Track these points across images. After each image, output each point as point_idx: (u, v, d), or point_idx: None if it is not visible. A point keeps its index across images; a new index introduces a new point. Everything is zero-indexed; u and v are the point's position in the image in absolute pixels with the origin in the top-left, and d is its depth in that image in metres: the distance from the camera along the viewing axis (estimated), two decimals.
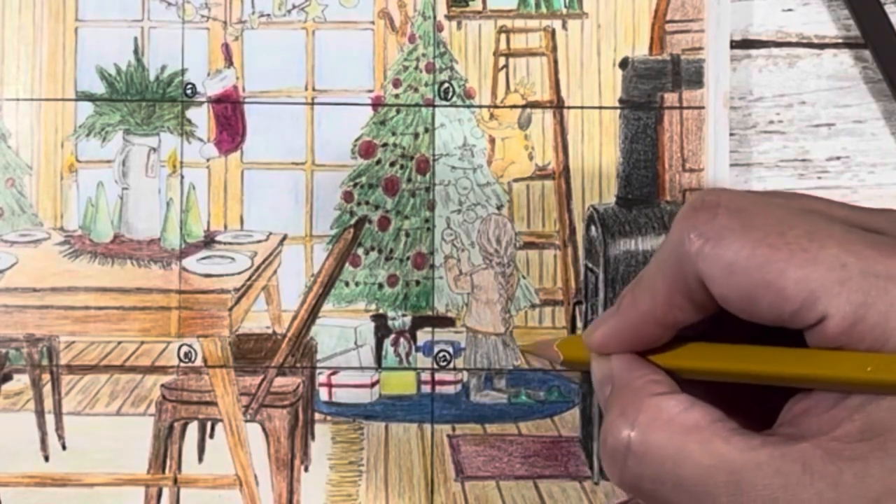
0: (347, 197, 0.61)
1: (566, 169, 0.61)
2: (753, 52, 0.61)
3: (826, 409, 0.33)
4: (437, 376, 0.60)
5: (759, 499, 0.32)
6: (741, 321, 0.35)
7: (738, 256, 0.33)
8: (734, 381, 0.36)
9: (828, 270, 0.32)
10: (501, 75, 0.61)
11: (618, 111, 0.60)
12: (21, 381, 0.59)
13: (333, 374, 0.60)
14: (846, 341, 0.32)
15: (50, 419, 0.59)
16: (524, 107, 0.61)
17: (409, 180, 0.61)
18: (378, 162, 0.61)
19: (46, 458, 0.59)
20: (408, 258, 0.61)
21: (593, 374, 0.39)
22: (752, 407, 0.35)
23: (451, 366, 0.60)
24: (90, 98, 0.60)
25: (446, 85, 0.61)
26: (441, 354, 0.60)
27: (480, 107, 0.61)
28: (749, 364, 0.35)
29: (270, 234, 0.60)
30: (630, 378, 0.36)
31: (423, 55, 0.61)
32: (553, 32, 0.61)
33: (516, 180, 0.61)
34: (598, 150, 0.60)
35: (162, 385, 0.59)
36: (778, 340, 0.35)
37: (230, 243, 0.60)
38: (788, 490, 0.31)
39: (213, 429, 0.60)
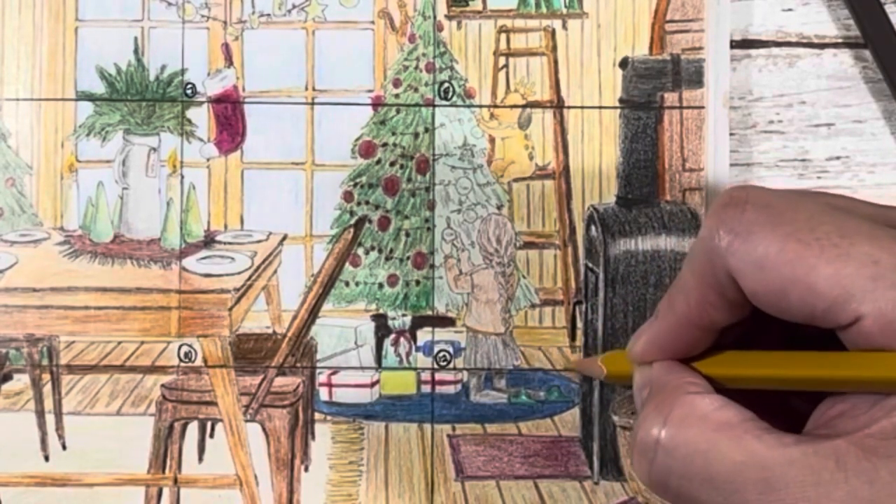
0: (347, 197, 0.61)
1: (566, 169, 0.61)
2: (753, 51, 0.61)
3: (863, 411, 0.32)
4: (437, 376, 0.60)
5: (790, 496, 0.31)
6: (782, 333, 0.35)
7: (768, 252, 0.33)
8: (774, 387, 0.36)
9: (860, 267, 0.32)
10: (501, 75, 0.61)
11: (618, 111, 0.60)
12: (21, 381, 0.59)
13: (333, 373, 0.60)
14: (884, 341, 0.32)
15: (50, 419, 0.59)
16: (524, 106, 0.61)
17: (409, 180, 0.61)
18: (378, 162, 0.61)
19: (46, 458, 0.59)
20: (408, 258, 0.61)
21: (634, 382, 0.39)
22: (783, 418, 0.35)
23: (451, 366, 0.60)
24: (90, 98, 0.60)
25: (446, 85, 0.61)
26: (441, 354, 0.60)
27: (480, 106, 0.61)
28: (788, 369, 0.35)
29: (270, 233, 0.60)
30: (667, 379, 0.36)
31: (423, 55, 0.61)
32: (553, 32, 0.61)
33: (516, 180, 0.61)
34: (598, 149, 0.60)
35: (162, 385, 0.59)
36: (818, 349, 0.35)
37: (230, 243, 0.60)
38: (821, 488, 0.31)
39: (213, 429, 0.60)
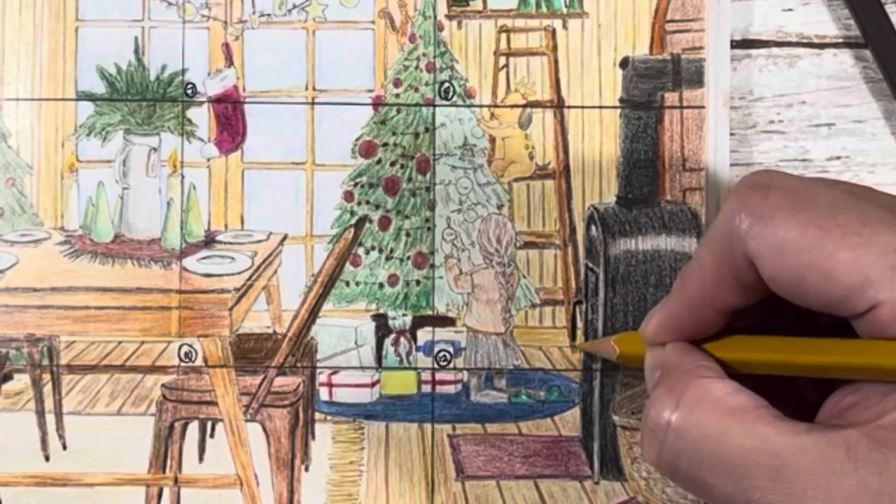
0: (348, 196, 0.61)
1: (566, 168, 0.61)
2: (753, 51, 0.61)
3: (875, 402, 0.33)
4: (438, 376, 0.60)
5: (799, 484, 0.31)
6: (796, 321, 0.35)
7: (789, 236, 0.33)
8: (786, 373, 0.36)
9: (880, 255, 0.32)
10: (502, 75, 0.61)
11: (618, 111, 0.60)
12: (21, 380, 0.59)
13: (334, 373, 0.60)
14: None
15: (50, 419, 0.59)
16: (524, 106, 0.61)
17: (409, 180, 0.61)
18: (378, 161, 0.61)
19: (47, 458, 0.59)
20: (408, 258, 0.61)
21: (645, 363, 0.39)
22: (795, 408, 0.35)
23: (452, 365, 0.60)
24: (90, 98, 0.60)
25: (447, 84, 0.61)
26: (441, 354, 0.60)
27: (481, 106, 0.61)
28: (801, 355, 0.35)
29: (271, 233, 0.60)
30: (679, 362, 0.36)
31: (424, 55, 0.61)
32: (553, 32, 0.61)
33: (516, 180, 0.61)
34: (599, 149, 0.60)
35: (162, 385, 0.59)
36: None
37: (230, 243, 0.60)
38: (831, 477, 0.31)
39: (213, 428, 0.60)
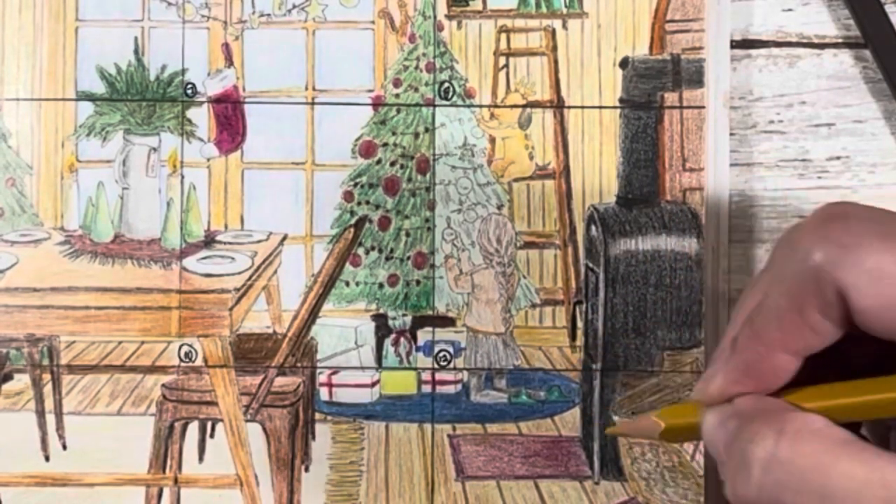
0: (348, 197, 0.61)
1: (566, 169, 0.61)
2: (753, 51, 0.61)
3: None
4: (438, 376, 0.60)
5: None
6: (826, 370, 0.34)
7: (882, 262, 0.32)
8: (871, 416, 0.35)
9: None
10: (502, 75, 0.61)
11: (618, 111, 0.60)
12: (21, 380, 0.59)
13: (334, 373, 0.60)
14: None
15: (50, 419, 0.59)
16: (524, 106, 0.61)
17: (409, 180, 0.61)
18: (378, 161, 0.61)
19: (47, 458, 0.59)
20: (408, 258, 0.61)
21: (708, 424, 0.37)
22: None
23: (452, 366, 0.60)
24: (90, 98, 0.60)
25: (446, 84, 0.61)
26: (441, 354, 0.60)
27: (481, 106, 0.61)
28: (879, 393, 0.34)
29: (271, 233, 0.60)
30: (764, 404, 0.35)
31: (424, 55, 0.61)
32: (553, 32, 0.61)
33: (516, 180, 0.61)
34: (599, 149, 0.60)
35: (162, 385, 0.59)
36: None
37: (230, 243, 0.60)
38: None
39: (213, 429, 0.60)
